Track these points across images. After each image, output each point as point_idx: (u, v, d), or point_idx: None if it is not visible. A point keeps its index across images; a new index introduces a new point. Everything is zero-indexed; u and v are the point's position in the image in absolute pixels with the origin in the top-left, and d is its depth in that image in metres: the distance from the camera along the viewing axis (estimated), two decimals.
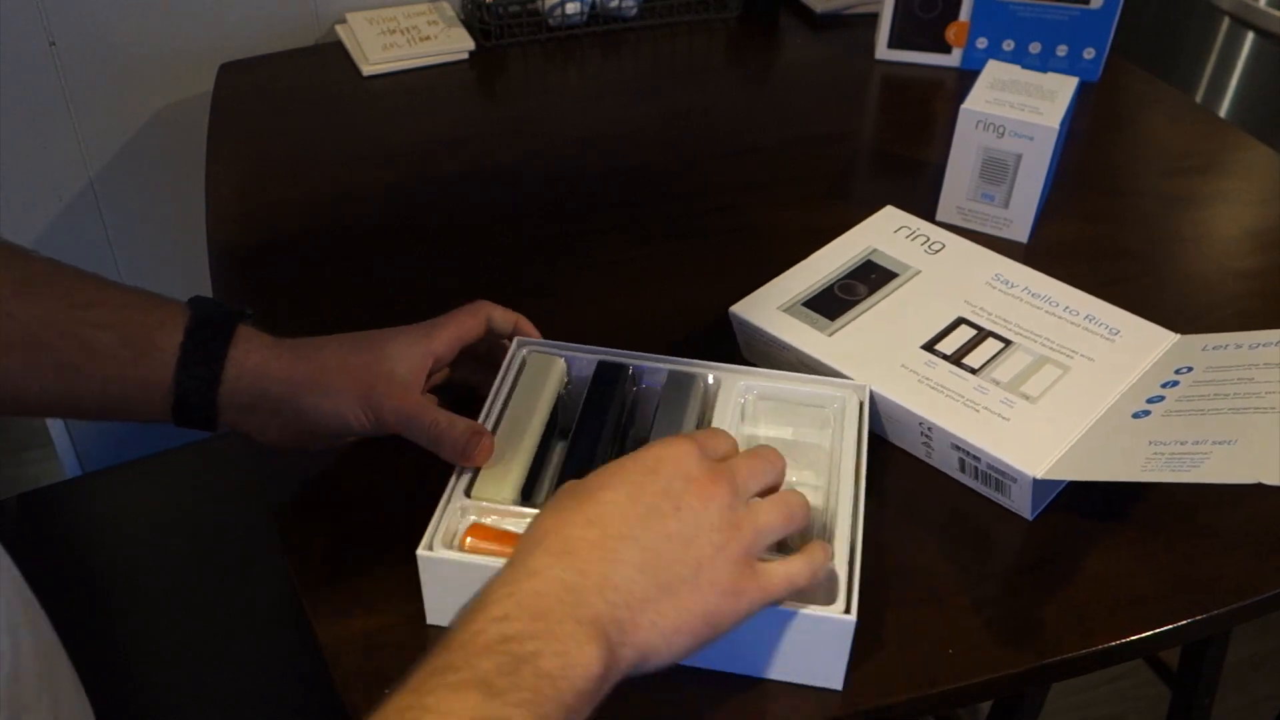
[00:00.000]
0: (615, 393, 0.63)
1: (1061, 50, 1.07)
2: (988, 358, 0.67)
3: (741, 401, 0.64)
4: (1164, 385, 0.62)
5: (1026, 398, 0.64)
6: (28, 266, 0.57)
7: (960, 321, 0.70)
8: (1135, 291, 0.75)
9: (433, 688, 0.39)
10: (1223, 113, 1.47)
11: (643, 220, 0.90)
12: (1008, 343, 0.68)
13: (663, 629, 0.44)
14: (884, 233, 0.78)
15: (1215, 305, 0.80)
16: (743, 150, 0.99)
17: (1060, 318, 0.70)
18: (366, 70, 1.09)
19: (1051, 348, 0.67)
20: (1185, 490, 0.64)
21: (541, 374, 0.63)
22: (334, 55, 1.14)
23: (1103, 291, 0.72)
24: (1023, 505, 0.62)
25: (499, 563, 0.52)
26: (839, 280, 0.73)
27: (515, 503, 0.57)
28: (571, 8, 1.15)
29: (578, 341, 0.66)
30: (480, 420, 0.60)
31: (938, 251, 0.76)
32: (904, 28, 1.11)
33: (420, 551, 0.53)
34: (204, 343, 0.56)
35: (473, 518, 0.56)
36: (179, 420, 0.58)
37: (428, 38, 1.13)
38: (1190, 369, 0.63)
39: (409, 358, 0.59)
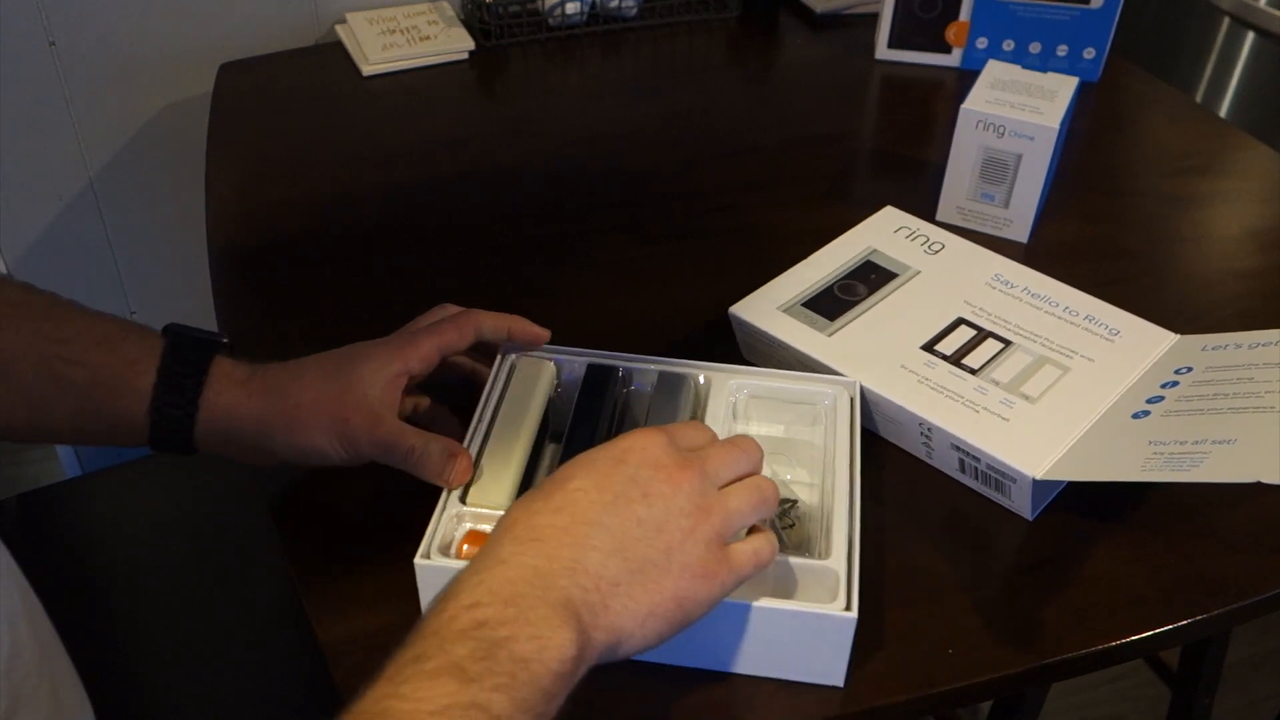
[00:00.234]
0: (606, 395, 0.63)
1: (1061, 50, 1.07)
2: (987, 358, 0.67)
3: (733, 400, 0.64)
4: (1164, 385, 0.62)
5: (1026, 398, 0.64)
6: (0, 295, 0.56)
7: (960, 322, 0.70)
8: (1135, 291, 0.75)
9: (408, 676, 0.39)
10: (1223, 113, 1.47)
11: (643, 220, 0.90)
12: (1007, 343, 0.68)
13: (635, 612, 0.44)
14: (884, 233, 0.78)
15: (1215, 305, 0.80)
16: (743, 150, 0.99)
17: (1060, 318, 0.70)
18: (366, 70, 1.09)
19: (1051, 348, 0.67)
20: (1185, 490, 0.64)
21: (532, 378, 0.63)
22: (334, 55, 1.14)
23: (1103, 291, 0.72)
24: (1023, 505, 0.62)
25: None
26: (839, 280, 0.73)
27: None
28: (571, 8, 1.15)
29: (578, 342, 0.66)
30: (471, 426, 0.60)
31: (938, 252, 0.76)
32: (904, 28, 1.11)
33: (418, 560, 0.53)
34: (177, 385, 0.56)
35: (469, 525, 0.56)
36: (156, 449, 0.58)
37: (428, 38, 1.13)
38: (1190, 369, 0.63)
39: (382, 381, 0.58)
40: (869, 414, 0.66)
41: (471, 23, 1.16)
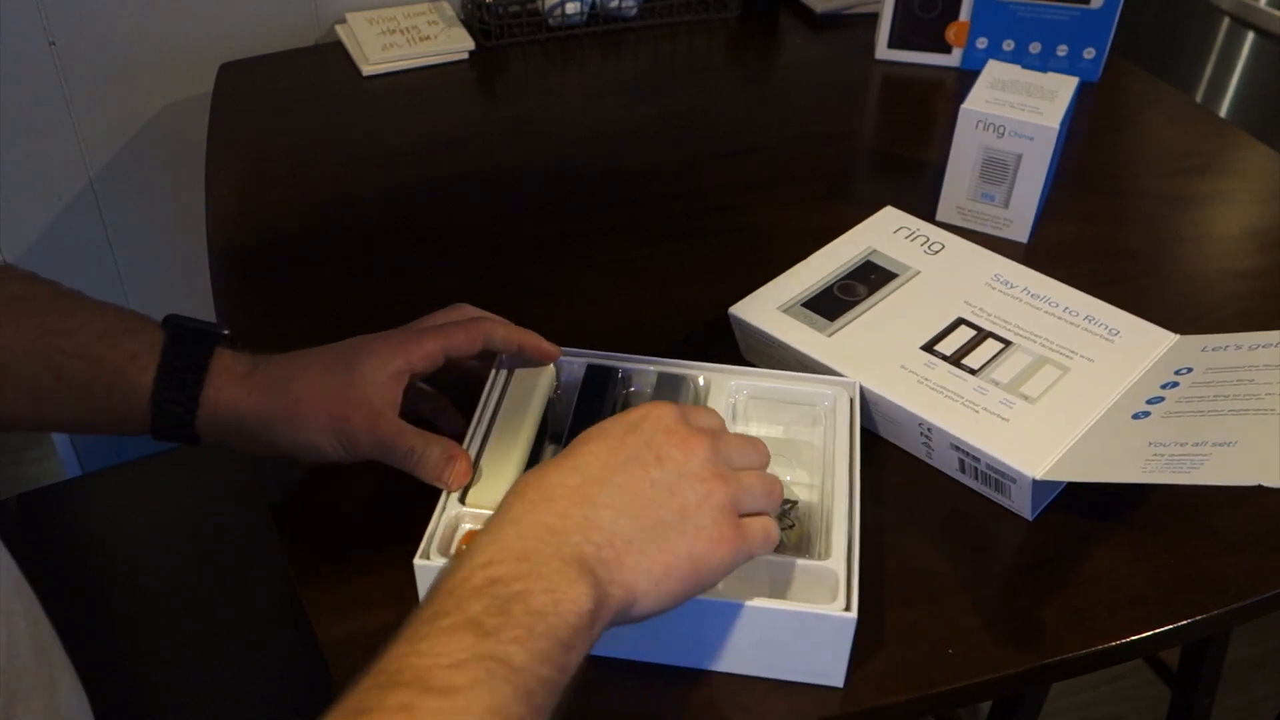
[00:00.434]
0: (606, 396, 0.63)
1: (1061, 50, 1.07)
2: (987, 358, 0.67)
3: (733, 401, 0.64)
4: (1164, 386, 0.62)
5: (1026, 398, 0.64)
6: (1, 287, 0.57)
7: (960, 322, 0.70)
8: (1135, 291, 0.75)
9: (425, 634, 0.39)
10: (1223, 113, 1.47)
11: (643, 220, 0.90)
12: (1007, 343, 0.68)
13: (649, 570, 0.44)
14: (884, 233, 0.78)
15: (1215, 305, 0.80)
16: (743, 150, 0.99)
17: (1060, 318, 0.70)
18: (366, 70, 1.09)
19: (1051, 348, 0.67)
20: (1185, 490, 0.64)
21: (530, 380, 0.63)
22: (334, 55, 1.14)
23: (1103, 291, 0.72)
24: (1023, 506, 0.62)
25: None
26: (839, 280, 0.73)
27: None
28: (571, 8, 1.15)
29: (578, 342, 0.66)
30: (471, 427, 0.60)
31: (937, 252, 0.76)
32: (904, 28, 1.11)
33: (417, 561, 0.53)
34: (177, 380, 0.56)
35: (468, 525, 0.56)
36: (157, 438, 0.58)
37: (428, 38, 1.13)
38: (1190, 370, 0.63)
39: (383, 379, 0.57)
40: (869, 414, 0.66)
41: (471, 23, 1.16)
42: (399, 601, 0.56)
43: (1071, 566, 0.60)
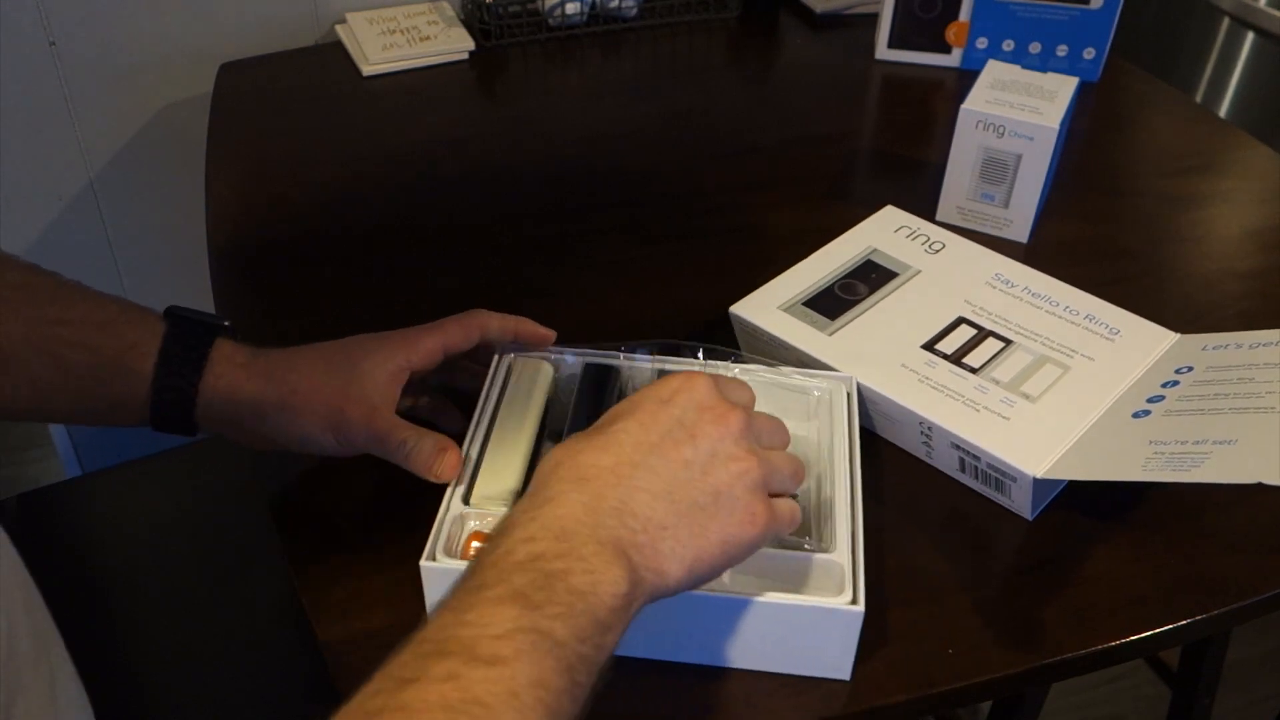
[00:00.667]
0: (604, 393, 0.63)
1: (1061, 50, 1.07)
2: (988, 357, 0.67)
3: None
4: (1164, 385, 0.62)
5: (1026, 397, 0.64)
6: (1, 277, 0.57)
7: (960, 321, 0.70)
8: (1135, 291, 0.75)
9: (472, 604, 0.39)
10: (1223, 113, 1.47)
11: (643, 220, 0.90)
12: (1008, 342, 0.68)
13: (682, 557, 0.44)
14: (884, 232, 0.78)
15: (1215, 305, 0.80)
16: (743, 150, 0.99)
17: (1060, 317, 0.70)
18: (366, 70, 1.09)
19: (1051, 347, 0.67)
20: (1185, 490, 0.64)
21: (529, 378, 0.63)
22: (334, 55, 1.14)
23: (1103, 291, 0.72)
24: (1023, 505, 0.62)
25: None
26: (839, 280, 0.73)
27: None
28: (571, 8, 1.15)
29: (578, 342, 0.66)
30: (471, 426, 0.60)
31: (938, 251, 0.76)
32: (904, 28, 1.11)
33: (423, 562, 0.53)
34: (177, 368, 0.57)
35: (474, 524, 0.56)
36: (157, 428, 0.58)
37: (428, 38, 1.13)
38: (1190, 369, 0.63)
39: (381, 376, 0.58)
40: (869, 413, 0.66)
41: (471, 23, 1.16)
42: (399, 601, 0.56)
43: (1071, 566, 0.60)
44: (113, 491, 1.00)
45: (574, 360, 0.65)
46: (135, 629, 0.85)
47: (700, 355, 0.64)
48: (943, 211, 0.87)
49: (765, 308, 0.70)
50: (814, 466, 0.61)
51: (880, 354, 0.67)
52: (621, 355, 0.65)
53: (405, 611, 0.56)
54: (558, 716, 0.38)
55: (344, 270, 0.84)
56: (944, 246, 0.76)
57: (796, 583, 0.54)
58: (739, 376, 0.64)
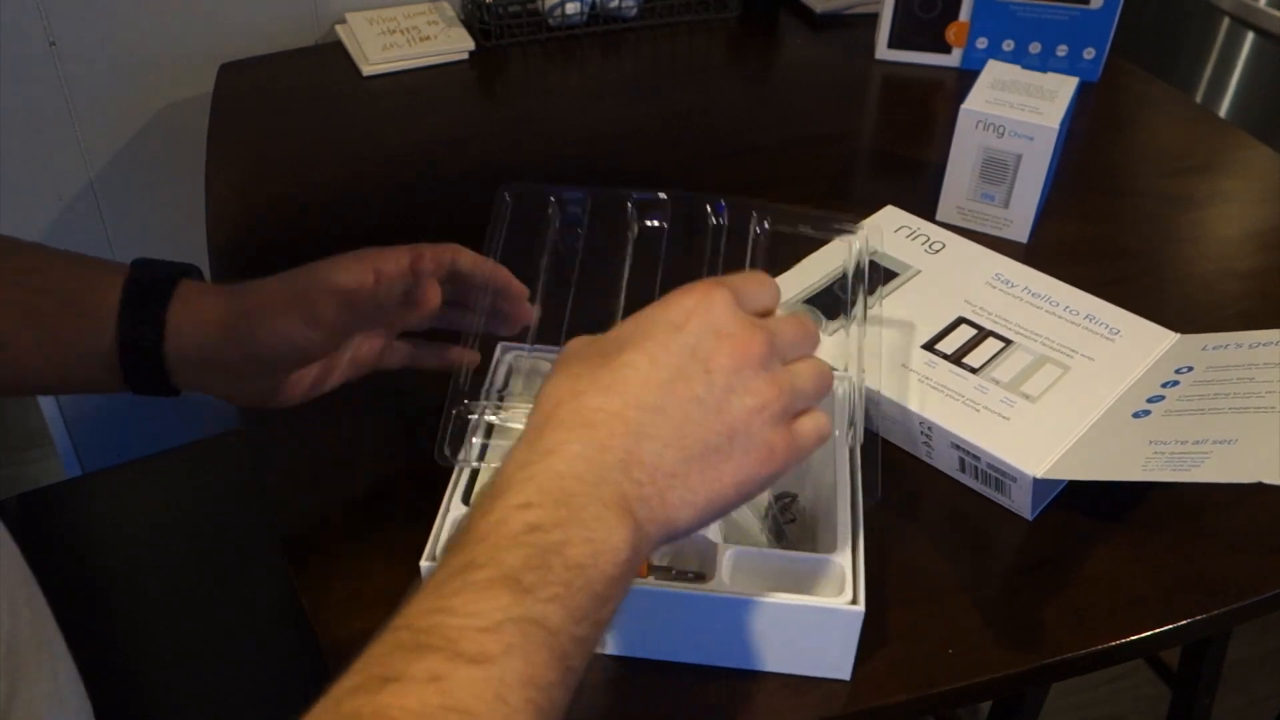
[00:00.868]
0: None
1: (1061, 50, 1.07)
2: (988, 357, 0.67)
3: None
4: (1164, 385, 0.62)
5: (1027, 397, 0.64)
6: None
7: (960, 321, 0.70)
8: (1135, 291, 0.75)
9: (458, 588, 0.36)
10: (1223, 113, 1.47)
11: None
12: (1008, 342, 0.68)
13: (693, 503, 0.41)
14: (884, 232, 0.78)
15: (1215, 305, 0.80)
16: (743, 150, 0.99)
17: (1060, 317, 0.70)
18: (366, 70, 1.09)
19: (1051, 347, 0.67)
20: (1185, 490, 0.64)
21: (531, 378, 0.63)
22: (334, 55, 1.14)
23: (1103, 291, 0.72)
24: (1023, 505, 0.62)
25: None
26: (839, 280, 0.73)
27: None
28: (571, 8, 1.15)
29: None
30: (471, 428, 0.60)
31: (938, 251, 0.76)
32: (904, 28, 1.11)
33: (424, 562, 0.53)
34: (142, 302, 0.55)
35: None
36: (133, 384, 0.57)
37: (428, 38, 1.13)
38: (1190, 369, 0.63)
39: (350, 269, 0.56)
40: (869, 413, 0.66)
41: (471, 23, 1.16)
42: (399, 602, 0.56)
43: (1071, 566, 0.60)
44: (113, 491, 1.00)
45: None
46: (135, 629, 0.85)
47: (709, 209, 0.58)
48: (943, 211, 0.87)
49: None
50: (818, 467, 0.61)
51: (880, 354, 0.67)
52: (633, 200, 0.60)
53: None
54: (548, 715, 0.35)
55: None
56: (944, 246, 0.76)
57: (796, 583, 0.54)
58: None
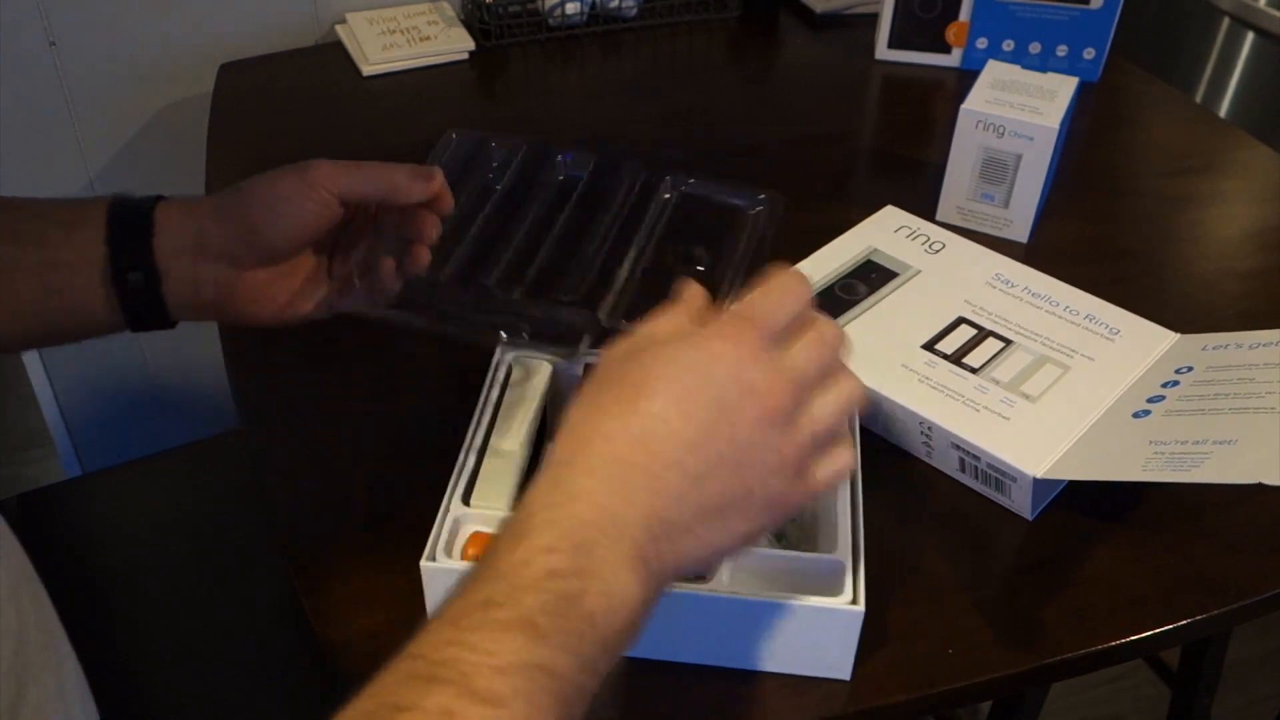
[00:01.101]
0: None
1: (1061, 50, 1.07)
2: (988, 357, 0.67)
3: None
4: (1164, 385, 0.62)
5: (1026, 397, 0.64)
6: None
7: (960, 321, 0.70)
8: (1135, 291, 0.75)
9: (476, 623, 0.37)
10: (1223, 113, 1.47)
11: None
12: (1008, 342, 0.68)
13: (699, 555, 0.42)
14: (884, 232, 0.78)
15: (1215, 305, 0.80)
16: (743, 150, 0.99)
17: (1060, 317, 0.70)
18: (366, 70, 1.09)
19: (1051, 347, 0.67)
20: (1185, 490, 0.64)
21: (529, 378, 0.63)
22: (334, 55, 1.14)
23: (1103, 291, 0.72)
24: (1023, 505, 0.62)
25: None
26: (839, 280, 0.73)
27: (512, 509, 0.57)
28: (571, 8, 1.15)
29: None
30: (471, 427, 0.60)
31: (938, 251, 0.76)
32: (904, 28, 1.11)
33: (424, 562, 0.53)
34: (127, 213, 0.57)
35: (472, 527, 0.56)
36: (126, 304, 0.57)
37: (428, 38, 1.13)
38: (1190, 369, 0.63)
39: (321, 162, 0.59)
40: (869, 413, 0.66)
41: (471, 23, 1.16)
42: (399, 601, 0.56)
43: (1071, 566, 0.60)
44: (113, 491, 1.00)
45: (576, 363, 0.65)
46: (136, 629, 0.85)
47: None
48: (943, 211, 0.87)
49: None
50: None
51: (880, 354, 0.67)
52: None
53: (405, 611, 0.56)
54: None
55: None
56: (944, 246, 0.76)
57: (796, 583, 0.54)
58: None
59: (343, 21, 1.17)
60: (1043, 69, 0.90)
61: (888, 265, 0.74)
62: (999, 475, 0.62)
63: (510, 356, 0.65)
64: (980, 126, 0.82)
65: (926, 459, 0.66)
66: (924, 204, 0.85)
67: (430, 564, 0.53)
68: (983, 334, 0.69)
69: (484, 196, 0.62)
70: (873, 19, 1.14)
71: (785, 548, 0.57)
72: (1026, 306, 0.71)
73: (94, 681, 0.51)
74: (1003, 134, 0.81)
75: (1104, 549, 0.61)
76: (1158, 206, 0.92)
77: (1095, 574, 0.60)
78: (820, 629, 0.52)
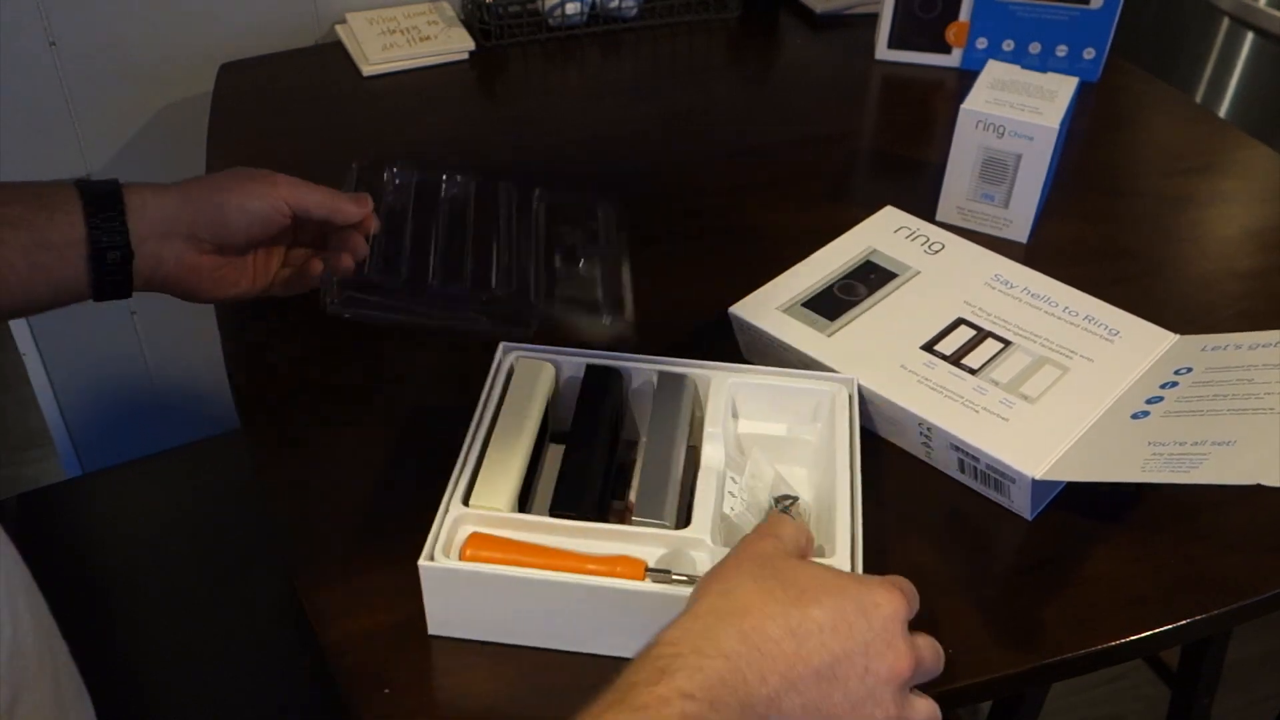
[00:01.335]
0: (607, 396, 0.63)
1: (1061, 50, 1.07)
2: (987, 358, 0.67)
3: (732, 398, 0.64)
4: (1163, 386, 0.62)
5: (1026, 398, 0.64)
6: None
7: (960, 322, 0.70)
8: (1135, 291, 0.75)
9: None
10: (1223, 113, 1.47)
11: (642, 220, 0.90)
12: (1007, 343, 0.68)
13: None
14: (884, 233, 0.78)
15: (1215, 305, 0.80)
16: (743, 150, 0.99)
17: (1060, 318, 0.70)
18: (366, 70, 1.09)
19: (1051, 348, 0.67)
20: (1185, 490, 0.64)
21: (530, 379, 0.63)
22: (334, 55, 1.14)
23: (1103, 291, 0.72)
24: (1022, 505, 0.62)
25: (501, 570, 0.53)
26: (839, 280, 0.73)
27: (511, 510, 0.57)
28: (571, 8, 1.15)
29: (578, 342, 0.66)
30: (471, 427, 0.60)
31: (937, 252, 0.76)
32: (904, 28, 1.11)
33: (422, 562, 0.53)
34: (97, 193, 0.61)
35: (472, 527, 0.56)
36: (99, 278, 0.61)
37: (428, 38, 1.13)
38: (1190, 370, 0.63)
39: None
40: (869, 414, 0.66)
41: (471, 23, 1.16)
42: (399, 601, 0.56)
43: (1071, 566, 0.60)
44: (113, 491, 1.00)
45: (576, 363, 0.65)
46: (135, 629, 0.85)
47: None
48: (943, 211, 0.87)
49: (765, 308, 0.70)
50: (819, 470, 0.61)
51: (880, 355, 0.67)
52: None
53: (405, 611, 0.56)
54: None
55: None
56: (944, 247, 0.76)
57: None
58: (747, 377, 0.64)
59: (343, 21, 1.17)
60: (1043, 69, 0.90)
61: (887, 266, 0.74)
62: (998, 476, 0.62)
63: (511, 357, 0.65)
64: (980, 126, 0.82)
65: (926, 459, 0.66)
66: (924, 204, 0.85)
67: (429, 564, 0.53)
68: (982, 335, 0.69)
69: (401, 216, 0.71)
70: (873, 19, 1.14)
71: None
72: (1026, 307, 0.71)
73: (93, 682, 0.51)
74: (1003, 134, 0.81)
75: (1104, 549, 0.61)
76: (1158, 206, 0.92)
77: (1095, 574, 0.60)
78: None
